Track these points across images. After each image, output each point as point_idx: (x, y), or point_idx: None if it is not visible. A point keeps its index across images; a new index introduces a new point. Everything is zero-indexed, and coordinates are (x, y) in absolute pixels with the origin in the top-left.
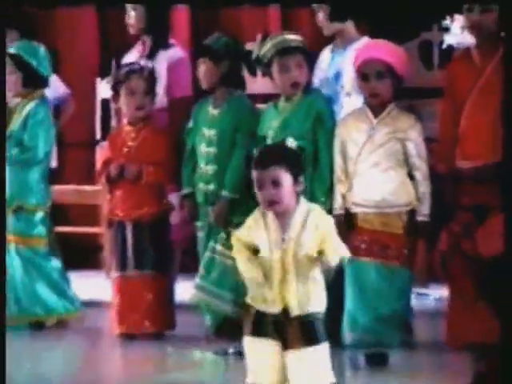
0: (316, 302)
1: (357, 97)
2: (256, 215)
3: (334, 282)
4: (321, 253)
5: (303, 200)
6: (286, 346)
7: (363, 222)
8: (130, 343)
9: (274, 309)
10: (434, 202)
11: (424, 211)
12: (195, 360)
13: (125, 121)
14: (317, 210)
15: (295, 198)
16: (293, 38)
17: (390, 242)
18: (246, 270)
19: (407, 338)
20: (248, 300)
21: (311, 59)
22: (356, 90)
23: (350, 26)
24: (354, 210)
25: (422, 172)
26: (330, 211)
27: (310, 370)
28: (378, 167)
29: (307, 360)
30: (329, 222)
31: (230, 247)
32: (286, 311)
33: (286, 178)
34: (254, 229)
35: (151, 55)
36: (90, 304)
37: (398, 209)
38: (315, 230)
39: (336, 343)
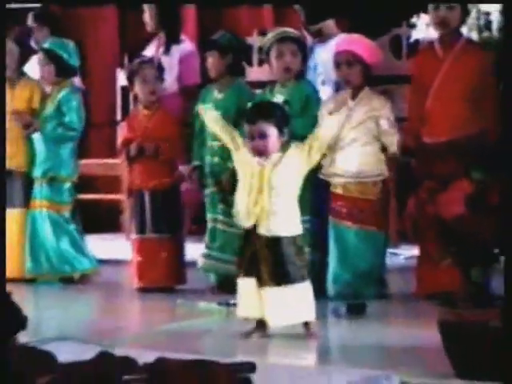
0: (284, 226)
1: (330, 85)
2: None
3: (320, 244)
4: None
5: (291, 145)
6: (260, 283)
7: (344, 190)
8: (146, 295)
9: (248, 222)
10: (404, 173)
11: (392, 151)
12: (202, 310)
13: (140, 105)
14: (294, 144)
15: (280, 146)
16: (290, 30)
17: (367, 207)
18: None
19: (382, 291)
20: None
21: (305, 51)
22: (328, 79)
23: (330, 24)
24: (336, 179)
25: (391, 141)
26: None
27: (282, 307)
28: (356, 143)
29: (278, 297)
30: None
31: (229, 215)
32: (255, 229)
33: (271, 131)
34: (243, 155)
35: (166, 49)
36: (111, 262)
37: (373, 178)
38: (300, 151)
39: (322, 295)
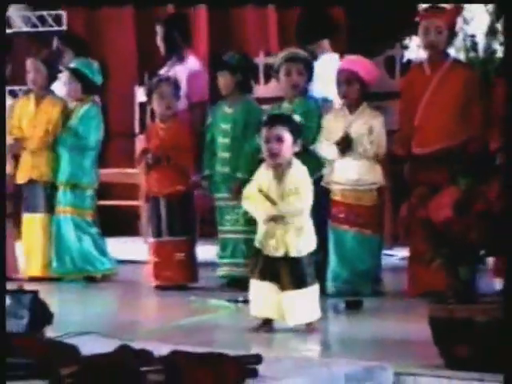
0: (307, 245)
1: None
2: (262, 168)
3: (319, 246)
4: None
5: (296, 160)
6: (282, 287)
7: (342, 197)
8: (161, 293)
9: (277, 253)
10: (397, 180)
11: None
12: (213, 306)
13: (157, 119)
14: (299, 166)
15: (292, 155)
16: (298, 51)
17: (363, 212)
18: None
19: (378, 289)
20: (257, 245)
21: (311, 69)
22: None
23: (324, 42)
24: (335, 187)
25: (379, 145)
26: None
27: (299, 307)
28: (354, 154)
29: (298, 300)
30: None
31: (237, 224)
32: (286, 254)
33: (287, 137)
34: (261, 177)
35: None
36: (130, 262)
37: (369, 186)
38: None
39: (322, 292)
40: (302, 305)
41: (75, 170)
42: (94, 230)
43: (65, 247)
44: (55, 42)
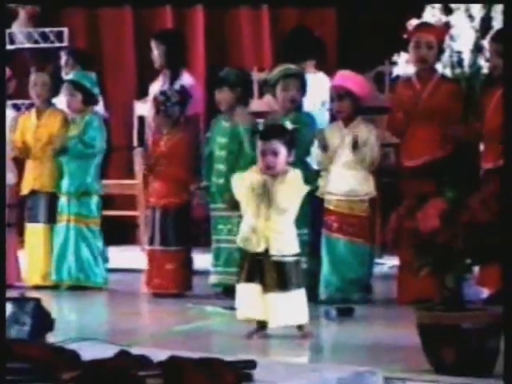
0: (290, 247)
1: None
2: (251, 171)
3: (314, 254)
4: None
5: (290, 168)
6: (265, 289)
7: (335, 207)
8: (159, 300)
9: (259, 248)
10: (386, 191)
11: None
12: (209, 313)
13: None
14: (296, 172)
15: (286, 165)
16: (295, 67)
17: (355, 222)
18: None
19: (368, 296)
20: (240, 243)
21: (306, 85)
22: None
23: (309, 63)
24: (329, 197)
25: (371, 155)
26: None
27: (282, 310)
28: (347, 165)
29: (280, 302)
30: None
31: (231, 233)
32: (267, 252)
33: (282, 150)
34: (249, 178)
35: (171, 84)
36: (128, 271)
37: (362, 197)
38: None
39: (314, 300)
40: (284, 307)
41: (82, 178)
42: (97, 241)
43: (63, 256)
44: (63, 57)
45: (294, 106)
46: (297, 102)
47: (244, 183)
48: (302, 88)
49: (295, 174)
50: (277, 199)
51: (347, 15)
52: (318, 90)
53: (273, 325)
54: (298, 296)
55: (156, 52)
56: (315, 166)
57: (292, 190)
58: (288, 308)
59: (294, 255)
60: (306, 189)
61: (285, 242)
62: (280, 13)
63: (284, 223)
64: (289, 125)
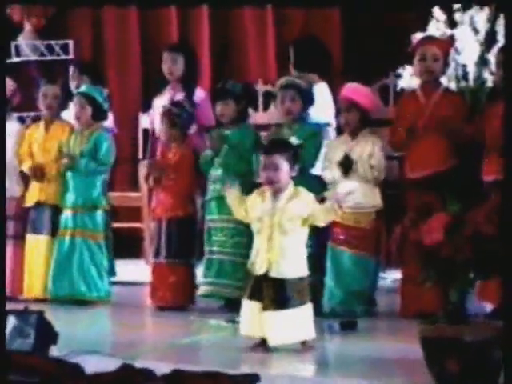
0: (293, 269)
1: None
2: (255, 194)
3: (318, 266)
4: (309, 218)
5: (291, 183)
6: (263, 307)
7: (342, 219)
8: (162, 313)
9: (261, 270)
10: (390, 203)
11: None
12: (212, 326)
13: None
14: (303, 190)
15: (288, 180)
16: (291, 78)
17: (361, 235)
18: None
19: (372, 309)
20: (248, 266)
21: (306, 96)
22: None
23: (313, 76)
24: None
25: (378, 168)
26: None
27: (279, 328)
28: (354, 177)
29: (277, 320)
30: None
31: (224, 245)
32: (267, 274)
33: (284, 165)
34: (252, 202)
35: (187, 97)
36: (132, 284)
37: (368, 209)
38: (305, 204)
39: (317, 313)
40: (282, 326)
41: (89, 193)
42: (101, 255)
43: (65, 270)
44: (72, 70)
45: (292, 117)
46: (294, 114)
47: (252, 212)
48: (302, 99)
49: (301, 196)
50: (280, 220)
51: (352, 27)
52: (321, 100)
53: (271, 343)
54: (300, 313)
55: (171, 64)
56: (328, 180)
57: (296, 211)
58: (287, 326)
59: (297, 278)
60: (311, 210)
61: (287, 265)
62: (285, 27)
63: (288, 244)
64: (294, 140)
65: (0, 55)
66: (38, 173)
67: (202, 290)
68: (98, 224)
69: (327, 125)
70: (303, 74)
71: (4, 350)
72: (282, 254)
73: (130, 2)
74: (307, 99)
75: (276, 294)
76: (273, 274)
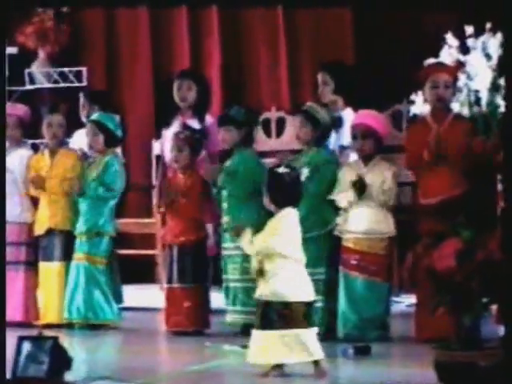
0: (277, 292)
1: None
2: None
3: (331, 291)
4: None
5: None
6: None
7: (354, 245)
8: (176, 339)
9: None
10: (402, 229)
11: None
12: (227, 351)
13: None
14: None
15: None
16: (306, 104)
17: (374, 260)
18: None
19: (385, 334)
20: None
21: (315, 121)
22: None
23: (339, 99)
24: (348, 235)
25: (390, 196)
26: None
27: (260, 347)
28: (367, 204)
29: (260, 339)
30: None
31: (239, 272)
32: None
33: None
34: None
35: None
36: (147, 309)
37: (381, 235)
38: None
39: (331, 338)
40: (263, 345)
41: (96, 219)
42: (104, 279)
43: (74, 295)
44: (81, 99)
45: (303, 143)
46: (303, 139)
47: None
48: (313, 125)
49: (279, 216)
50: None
51: (365, 53)
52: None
53: (249, 360)
54: (282, 336)
55: (184, 90)
56: (341, 204)
57: (269, 231)
58: (267, 346)
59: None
60: (286, 230)
61: (270, 288)
62: (297, 53)
63: (272, 266)
64: (305, 171)
65: (0, 57)
66: (39, 183)
67: (227, 317)
68: (102, 250)
69: (348, 147)
70: (336, 98)
71: (4, 377)
72: (267, 276)
73: (140, 2)
74: (318, 125)
75: (260, 313)
76: (256, 296)
